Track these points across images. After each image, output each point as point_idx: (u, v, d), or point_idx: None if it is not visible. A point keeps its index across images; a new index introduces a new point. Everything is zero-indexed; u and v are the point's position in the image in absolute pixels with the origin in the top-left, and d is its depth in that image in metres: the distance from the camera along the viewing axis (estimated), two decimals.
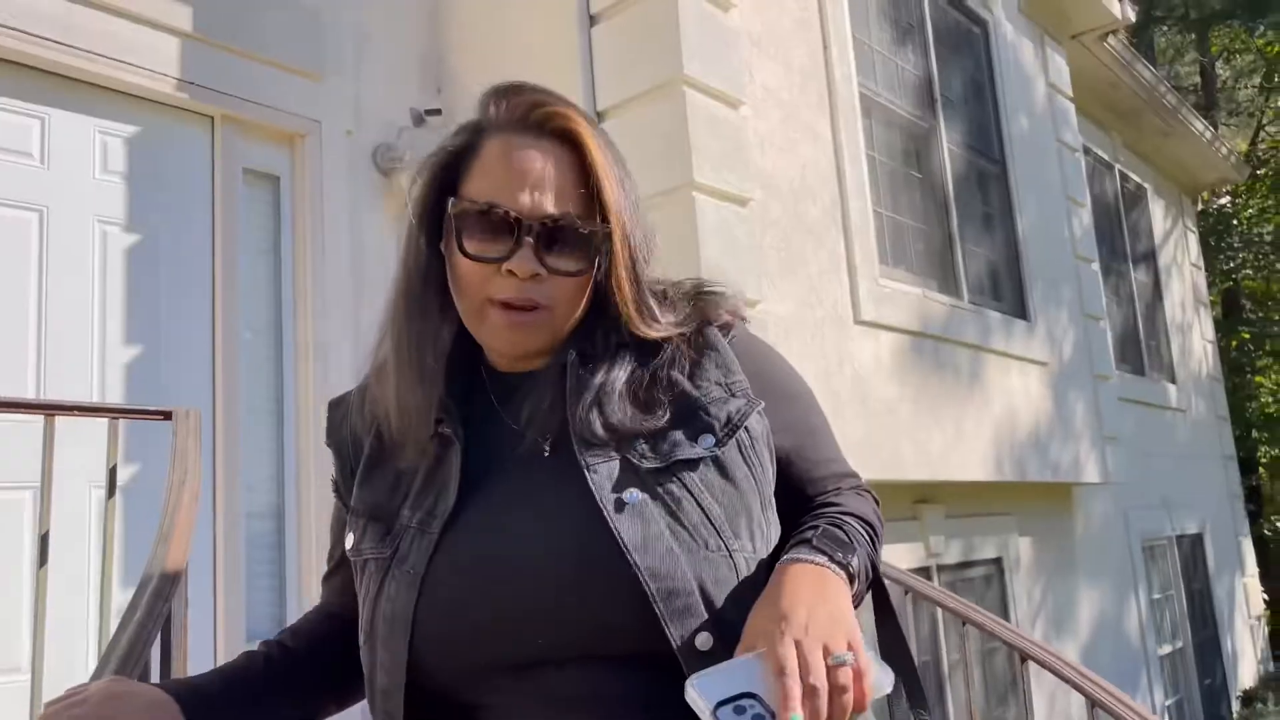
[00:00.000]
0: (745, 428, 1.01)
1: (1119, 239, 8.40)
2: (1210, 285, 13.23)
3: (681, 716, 0.83)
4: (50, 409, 2.17)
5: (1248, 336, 13.47)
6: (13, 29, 3.19)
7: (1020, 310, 5.61)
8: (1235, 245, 13.81)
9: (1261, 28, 14.12)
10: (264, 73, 3.81)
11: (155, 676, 1.63)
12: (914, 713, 1.03)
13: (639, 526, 0.92)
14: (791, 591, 0.88)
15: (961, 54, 5.66)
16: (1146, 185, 9.24)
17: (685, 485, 0.96)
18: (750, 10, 3.97)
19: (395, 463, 1.03)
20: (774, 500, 1.03)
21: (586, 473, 0.95)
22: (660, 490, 0.95)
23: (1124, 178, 8.73)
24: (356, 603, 1.05)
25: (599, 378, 0.99)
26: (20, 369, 3.13)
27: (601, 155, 1.00)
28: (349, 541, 1.04)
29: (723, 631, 0.91)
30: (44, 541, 2.01)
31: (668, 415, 0.99)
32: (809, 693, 0.80)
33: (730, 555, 0.95)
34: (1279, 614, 11.81)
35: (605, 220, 0.99)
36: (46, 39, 3.25)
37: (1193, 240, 10.57)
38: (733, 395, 1.02)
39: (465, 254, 0.99)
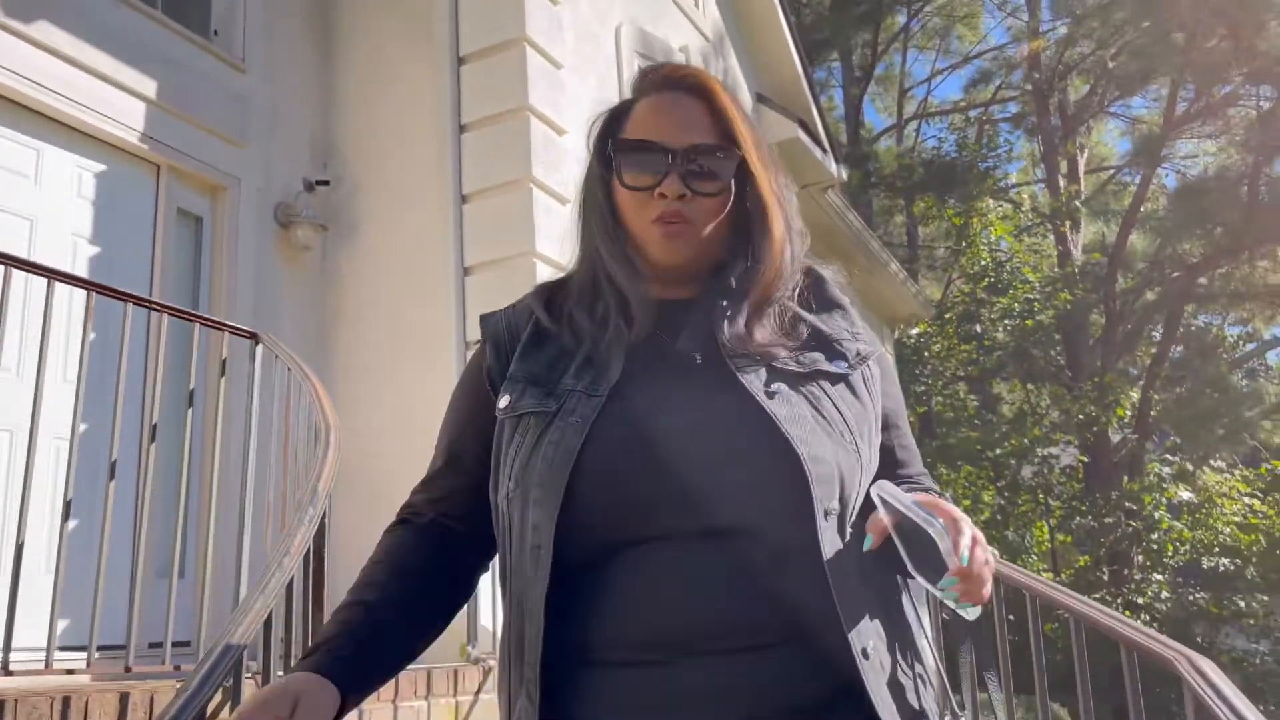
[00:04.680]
0: (869, 365, 1.16)
1: None
2: (908, 405, 15.92)
3: (789, 595, 0.97)
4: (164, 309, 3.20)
5: (935, 449, 16.16)
6: (25, 77, 4.15)
7: None
8: (926, 374, 16.64)
9: (950, 200, 17.37)
10: (201, 137, 4.89)
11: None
12: (984, 674, 1.22)
13: (788, 408, 1.04)
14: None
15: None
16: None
17: (824, 389, 1.09)
18: (578, 136, 5.46)
19: (556, 343, 1.15)
20: (879, 434, 1.15)
21: (738, 374, 1.07)
22: (803, 389, 1.07)
23: None
24: (462, 498, 1.17)
25: (744, 306, 1.12)
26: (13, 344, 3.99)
27: (729, 102, 1.15)
28: (503, 402, 1.12)
29: (843, 508, 1.03)
30: (192, 395, 3.03)
31: (804, 341, 1.14)
32: (979, 560, 0.94)
33: (858, 450, 1.06)
34: None
35: (738, 150, 1.13)
36: (49, 89, 4.24)
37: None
38: (858, 340, 1.17)
39: (624, 184, 1.13)
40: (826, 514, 1.00)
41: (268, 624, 1.82)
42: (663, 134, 1.12)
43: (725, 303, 1.12)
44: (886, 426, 1.18)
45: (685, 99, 1.15)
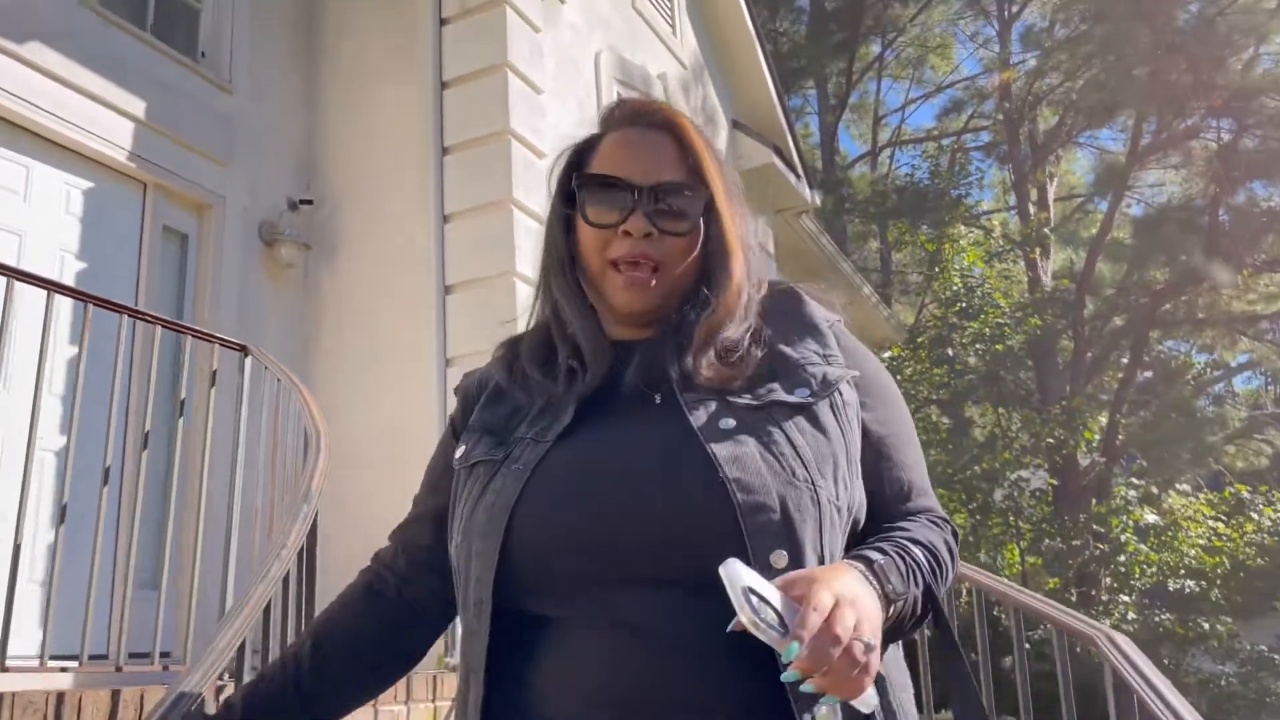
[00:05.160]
0: (839, 390, 1.06)
1: None
2: None
3: (734, 656, 0.89)
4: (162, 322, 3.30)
5: None
6: (16, 96, 4.25)
7: None
8: None
9: (923, 226, 17.66)
10: (187, 156, 4.99)
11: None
12: None
13: (731, 447, 0.97)
14: (845, 575, 0.88)
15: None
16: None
17: (778, 423, 1.00)
18: None
19: (515, 397, 1.13)
20: (858, 466, 1.04)
21: (686, 411, 1.02)
22: (754, 424, 1.00)
23: None
24: (419, 551, 1.17)
25: (701, 340, 1.06)
26: None
27: (699, 140, 1.12)
28: (459, 453, 1.11)
29: (796, 555, 0.93)
30: (183, 404, 3.13)
31: (765, 371, 1.06)
32: (828, 638, 0.79)
33: (815, 489, 0.97)
34: None
35: (706, 188, 1.10)
36: (40, 107, 4.33)
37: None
38: (829, 364, 1.08)
39: (588, 221, 1.09)
40: (770, 569, 0.91)
41: (267, 611, 1.93)
42: (629, 170, 1.09)
43: (682, 340, 1.07)
44: (875, 456, 1.07)
45: (654, 135, 1.12)
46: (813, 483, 0.97)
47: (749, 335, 1.10)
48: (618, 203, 1.08)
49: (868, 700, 0.83)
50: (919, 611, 1.00)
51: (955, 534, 1.09)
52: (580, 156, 1.16)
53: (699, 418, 1.01)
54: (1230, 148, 13.32)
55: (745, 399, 1.03)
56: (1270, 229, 13.43)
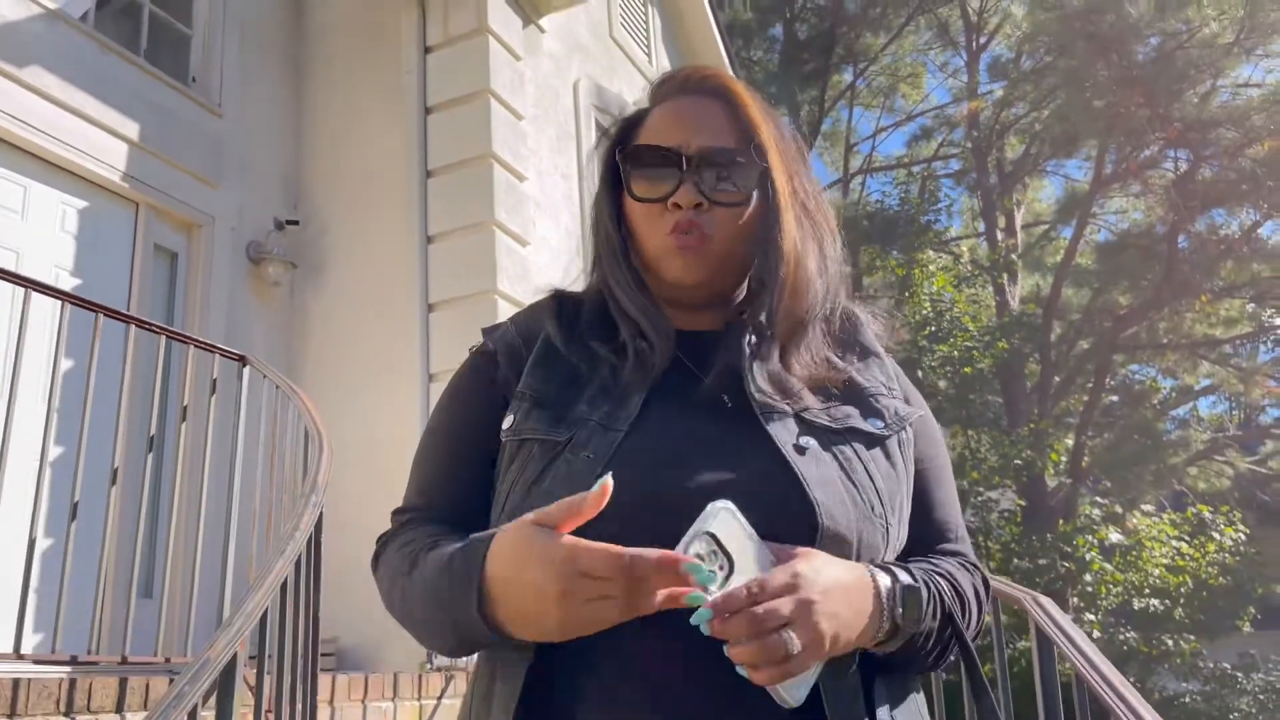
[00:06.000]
0: (907, 427, 1.02)
1: None
2: None
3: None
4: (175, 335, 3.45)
5: None
6: (15, 117, 4.40)
7: None
8: None
9: (894, 252, 17.99)
10: (178, 177, 5.15)
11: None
12: None
13: (817, 469, 0.93)
14: (842, 575, 0.86)
15: None
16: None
17: (856, 451, 0.97)
18: (535, 182, 5.81)
19: (572, 361, 1.04)
20: (909, 505, 1.01)
21: (764, 422, 0.96)
22: (834, 448, 0.96)
23: None
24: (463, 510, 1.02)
25: (775, 342, 1.01)
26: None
27: (754, 104, 1.05)
28: (507, 423, 1.01)
29: None
30: (185, 411, 3.29)
31: (838, 393, 1.02)
32: (745, 616, 0.77)
33: (887, 526, 0.95)
34: None
35: (762, 156, 1.02)
36: (38, 129, 4.48)
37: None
38: (895, 396, 1.04)
39: (634, 196, 1.03)
40: None
41: (283, 589, 2.09)
42: (675, 139, 1.03)
43: (754, 338, 1.01)
44: (918, 492, 1.03)
45: (703, 102, 1.06)
46: (885, 520, 0.95)
47: (831, 343, 1.06)
48: (664, 174, 1.02)
49: (783, 695, 0.81)
50: (937, 645, 0.96)
51: (986, 582, 1.05)
52: (627, 132, 1.11)
53: (777, 431, 0.96)
54: (1187, 177, 13.74)
55: (823, 420, 0.98)
56: (1228, 255, 13.84)
